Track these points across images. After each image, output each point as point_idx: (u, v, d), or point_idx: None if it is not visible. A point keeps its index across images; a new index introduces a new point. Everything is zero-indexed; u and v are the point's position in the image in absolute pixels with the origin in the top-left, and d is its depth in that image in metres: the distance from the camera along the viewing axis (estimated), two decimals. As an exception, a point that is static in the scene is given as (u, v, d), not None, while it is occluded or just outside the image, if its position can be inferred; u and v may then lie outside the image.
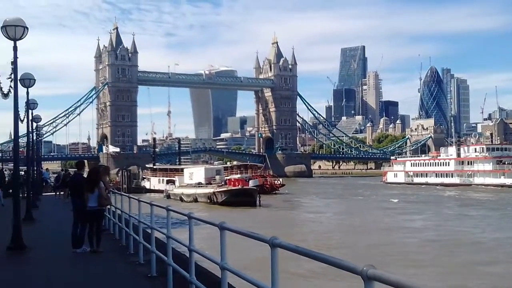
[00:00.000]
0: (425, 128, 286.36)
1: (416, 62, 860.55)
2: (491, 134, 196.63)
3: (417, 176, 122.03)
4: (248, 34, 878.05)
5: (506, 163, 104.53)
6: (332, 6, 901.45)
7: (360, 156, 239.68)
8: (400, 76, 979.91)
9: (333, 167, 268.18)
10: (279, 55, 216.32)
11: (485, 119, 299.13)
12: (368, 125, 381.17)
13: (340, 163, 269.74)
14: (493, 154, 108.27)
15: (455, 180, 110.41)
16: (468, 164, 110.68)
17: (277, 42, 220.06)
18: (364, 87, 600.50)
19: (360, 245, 30.23)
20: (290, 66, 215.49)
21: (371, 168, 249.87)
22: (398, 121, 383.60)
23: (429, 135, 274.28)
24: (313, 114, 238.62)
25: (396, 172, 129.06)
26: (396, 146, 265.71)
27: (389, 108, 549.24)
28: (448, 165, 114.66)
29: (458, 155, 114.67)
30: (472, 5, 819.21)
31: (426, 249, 29.33)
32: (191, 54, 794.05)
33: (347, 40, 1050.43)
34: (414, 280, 2.93)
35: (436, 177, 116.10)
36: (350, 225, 41.93)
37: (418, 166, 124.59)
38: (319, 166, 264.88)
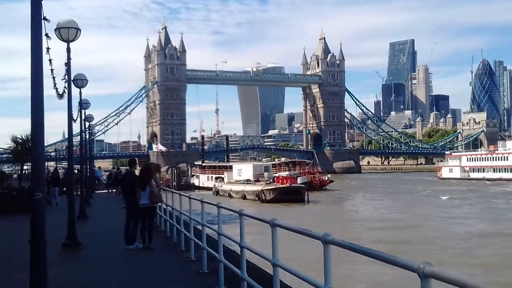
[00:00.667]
0: (477, 122, 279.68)
1: (467, 55, 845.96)
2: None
3: (473, 171, 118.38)
4: (295, 30, 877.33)
5: None
6: (376, 1, 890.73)
7: (410, 151, 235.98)
8: (450, 69, 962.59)
9: (382, 163, 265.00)
10: (326, 50, 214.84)
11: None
12: (418, 119, 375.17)
13: (390, 159, 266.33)
14: None
15: None
16: None
17: (324, 38, 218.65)
18: (414, 81, 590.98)
19: (413, 242, 29.79)
20: (337, 62, 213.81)
21: (421, 164, 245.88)
22: (449, 115, 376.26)
23: (481, 129, 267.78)
24: (362, 110, 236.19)
25: (452, 167, 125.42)
26: (447, 140, 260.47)
27: (439, 102, 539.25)
28: (507, 160, 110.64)
29: None
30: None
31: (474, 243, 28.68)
32: (239, 51, 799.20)
33: (395, 34, 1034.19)
34: (473, 278, 2.86)
35: (494, 172, 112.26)
36: (401, 221, 41.33)
37: (475, 161, 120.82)
38: (368, 162, 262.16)
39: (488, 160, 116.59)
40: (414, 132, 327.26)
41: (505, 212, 47.97)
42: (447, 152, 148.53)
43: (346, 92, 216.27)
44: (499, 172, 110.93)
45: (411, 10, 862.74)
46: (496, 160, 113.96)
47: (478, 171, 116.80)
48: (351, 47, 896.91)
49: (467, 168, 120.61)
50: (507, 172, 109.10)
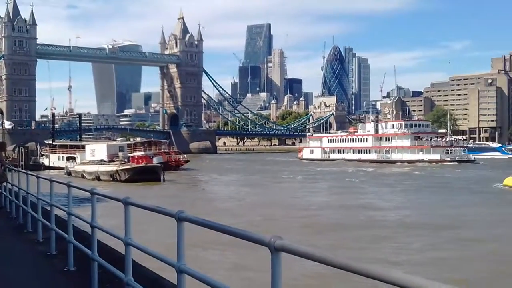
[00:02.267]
0: (327, 105, 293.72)
1: (320, 41, 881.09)
2: (388, 111, 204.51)
3: (334, 153, 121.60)
4: (154, 8, 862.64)
5: (424, 139, 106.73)
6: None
7: (265, 132, 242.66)
8: (304, 54, 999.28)
9: (237, 144, 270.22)
10: (185, 30, 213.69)
11: (384, 97, 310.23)
12: (273, 102, 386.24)
13: (245, 140, 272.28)
14: (411, 130, 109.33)
15: (373, 156, 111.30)
16: (386, 140, 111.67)
17: (183, 18, 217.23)
18: (269, 64, 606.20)
19: (266, 218, 30.65)
20: (196, 42, 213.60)
21: (274, 145, 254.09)
22: (301, 99, 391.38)
23: (331, 112, 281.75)
24: (219, 91, 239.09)
25: (313, 149, 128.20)
26: (300, 123, 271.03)
27: (293, 86, 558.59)
28: (366, 141, 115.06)
29: (376, 131, 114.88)
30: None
31: (317, 221, 30.19)
32: (94, 27, 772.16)
33: (253, 17, 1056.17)
34: (321, 250, 2.99)
35: (354, 153, 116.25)
36: (253, 200, 42.42)
37: (335, 142, 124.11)
38: (224, 143, 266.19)
39: (348, 141, 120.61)
40: (269, 114, 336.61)
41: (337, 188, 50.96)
42: (308, 134, 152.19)
43: (203, 73, 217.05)
44: (358, 153, 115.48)
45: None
46: (355, 141, 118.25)
47: (338, 152, 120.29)
48: (210, 28, 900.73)
49: (328, 149, 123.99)
50: (366, 153, 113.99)
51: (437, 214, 34.05)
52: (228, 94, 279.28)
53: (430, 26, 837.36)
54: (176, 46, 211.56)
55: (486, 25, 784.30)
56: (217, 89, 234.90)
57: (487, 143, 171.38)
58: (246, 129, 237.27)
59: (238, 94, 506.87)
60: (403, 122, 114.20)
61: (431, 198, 43.61)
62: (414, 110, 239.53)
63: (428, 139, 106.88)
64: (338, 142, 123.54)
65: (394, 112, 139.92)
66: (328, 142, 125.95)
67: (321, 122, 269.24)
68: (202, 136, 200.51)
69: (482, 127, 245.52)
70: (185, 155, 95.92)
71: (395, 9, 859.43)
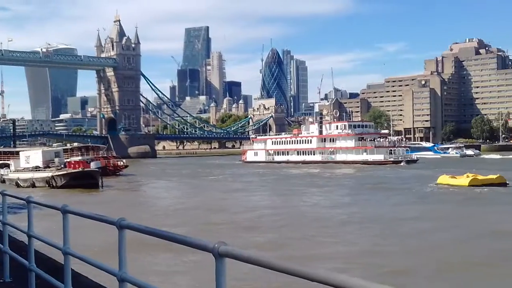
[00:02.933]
0: (266, 107, 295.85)
1: (258, 44, 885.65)
2: (326, 113, 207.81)
3: (278, 155, 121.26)
4: (89, 11, 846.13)
5: (368, 139, 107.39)
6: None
7: (204, 136, 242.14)
8: (243, 57, 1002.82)
9: (177, 147, 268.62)
10: (121, 33, 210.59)
11: (322, 99, 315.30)
12: (212, 105, 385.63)
13: (185, 143, 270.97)
14: (355, 131, 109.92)
15: (317, 157, 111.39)
16: (331, 141, 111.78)
17: (119, 20, 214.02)
18: (208, 67, 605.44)
19: (210, 223, 30.52)
20: (133, 45, 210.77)
21: (215, 148, 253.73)
22: (241, 101, 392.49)
23: (270, 115, 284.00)
24: (157, 94, 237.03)
25: (257, 151, 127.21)
26: (239, 125, 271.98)
27: (232, 88, 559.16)
28: (310, 143, 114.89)
29: (320, 132, 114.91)
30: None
31: (264, 223, 30.34)
32: (27, 30, 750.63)
33: (191, 20, 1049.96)
34: (265, 254, 3.02)
35: (298, 155, 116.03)
36: (194, 204, 42.19)
37: (279, 144, 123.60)
38: (164, 147, 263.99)
39: (292, 143, 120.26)
40: (208, 117, 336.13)
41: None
42: (252, 136, 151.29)
43: (141, 76, 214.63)
44: (303, 155, 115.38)
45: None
46: (300, 143, 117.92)
47: (283, 154, 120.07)
48: (147, 30, 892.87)
49: (272, 151, 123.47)
50: (311, 155, 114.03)
51: (374, 212, 34.79)
52: (167, 97, 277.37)
53: (366, 29, 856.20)
54: (113, 49, 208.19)
55: (420, 27, 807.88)
56: (155, 93, 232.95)
57: (420, 142, 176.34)
58: (185, 133, 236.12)
59: (177, 98, 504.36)
60: (346, 123, 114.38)
61: (370, 198, 44.48)
62: (351, 112, 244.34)
63: (371, 140, 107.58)
64: (282, 144, 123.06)
65: (338, 114, 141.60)
66: (272, 144, 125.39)
67: (260, 124, 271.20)
68: (141, 141, 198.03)
69: (417, 127, 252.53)
70: (124, 160, 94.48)
71: (332, 12, 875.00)
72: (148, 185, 67.97)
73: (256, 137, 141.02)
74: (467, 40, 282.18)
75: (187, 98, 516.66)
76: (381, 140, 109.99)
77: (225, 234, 25.83)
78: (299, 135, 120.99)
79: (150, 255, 20.27)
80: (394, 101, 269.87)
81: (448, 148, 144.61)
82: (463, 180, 50.11)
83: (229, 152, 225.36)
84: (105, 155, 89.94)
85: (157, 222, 29.11)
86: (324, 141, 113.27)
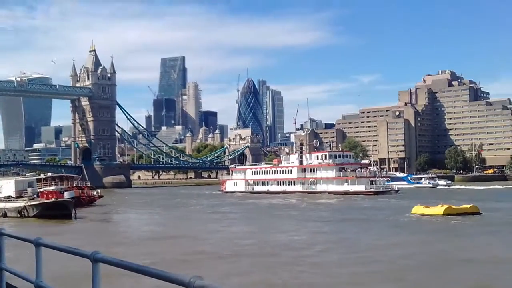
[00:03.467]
0: (242, 137, 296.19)
1: (235, 74, 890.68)
2: (302, 143, 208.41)
3: (258, 185, 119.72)
4: (64, 40, 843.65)
5: (349, 170, 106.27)
6: (151, 16, 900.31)
7: (180, 165, 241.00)
8: (219, 87, 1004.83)
9: (153, 177, 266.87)
10: (97, 63, 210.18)
11: (297, 129, 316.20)
12: (188, 134, 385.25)
13: (160, 173, 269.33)
14: (336, 161, 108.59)
15: (298, 187, 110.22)
16: (311, 171, 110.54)
17: (95, 50, 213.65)
18: (184, 97, 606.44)
19: (186, 254, 30.23)
20: (108, 75, 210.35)
21: (190, 178, 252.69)
22: (217, 131, 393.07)
23: (247, 145, 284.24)
24: (133, 124, 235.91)
25: (236, 181, 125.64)
26: (215, 155, 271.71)
27: (208, 118, 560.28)
28: (291, 173, 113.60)
29: (301, 162, 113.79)
30: (289, 21, 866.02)
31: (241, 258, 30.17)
32: (1, 59, 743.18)
33: (167, 50, 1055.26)
34: None
35: (278, 185, 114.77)
36: (172, 235, 41.79)
37: (259, 174, 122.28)
38: (139, 177, 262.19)
39: (272, 173, 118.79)
40: (184, 147, 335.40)
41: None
42: (231, 166, 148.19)
43: (117, 105, 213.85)
44: (283, 185, 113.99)
45: (182, 28, 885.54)
46: (280, 173, 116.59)
47: (263, 184, 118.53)
48: (123, 60, 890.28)
49: (251, 181, 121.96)
50: (291, 185, 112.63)
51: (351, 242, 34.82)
52: (143, 127, 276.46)
53: (342, 60, 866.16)
54: (88, 78, 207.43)
55: (394, 59, 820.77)
56: (131, 122, 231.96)
57: (394, 173, 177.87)
58: (161, 163, 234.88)
59: (153, 127, 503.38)
60: (327, 153, 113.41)
61: (345, 229, 44.56)
62: (327, 142, 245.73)
63: (352, 170, 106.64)
64: (262, 174, 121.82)
65: (318, 144, 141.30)
66: (252, 174, 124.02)
67: (236, 154, 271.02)
68: (116, 170, 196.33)
69: (392, 158, 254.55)
70: (99, 190, 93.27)
71: (307, 43, 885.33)
72: (123, 215, 67.26)
73: (235, 167, 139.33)
74: (440, 72, 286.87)
75: (163, 128, 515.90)
76: (362, 170, 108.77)
77: (199, 265, 25.59)
78: (279, 165, 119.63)
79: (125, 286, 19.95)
80: (369, 131, 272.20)
81: (421, 178, 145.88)
82: (438, 209, 50.62)
83: (205, 182, 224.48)
84: (79, 185, 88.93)
85: (131, 253, 28.77)
86: (305, 171, 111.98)
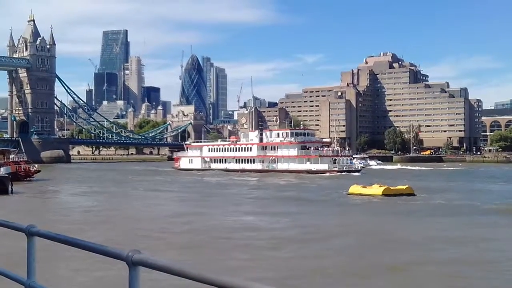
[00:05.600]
0: (185, 114, 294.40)
1: (179, 50, 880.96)
2: (245, 121, 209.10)
3: (215, 162, 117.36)
4: (1, 9, 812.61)
5: (312, 148, 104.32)
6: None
7: (122, 141, 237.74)
8: (162, 62, 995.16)
9: (93, 153, 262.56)
10: (36, 34, 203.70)
11: (241, 107, 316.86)
12: (130, 110, 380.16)
13: (101, 149, 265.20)
14: (298, 139, 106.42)
15: (257, 166, 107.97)
16: (272, 149, 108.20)
17: (34, 20, 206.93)
18: (126, 71, 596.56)
19: (123, 230, 29.97)
20: (48, 46, 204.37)
21: (132, 154, 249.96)
22: (159, 107, 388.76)
23: (189, 122, 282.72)
24: (73, 98, 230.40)
25: (192, 158, 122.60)
26: (158, 131, 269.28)
27: (151, 94, 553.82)
28: (250, 151, 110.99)
29: (261, 140, 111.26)
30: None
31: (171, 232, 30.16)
32: None
33: (109, 23, 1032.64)
34: (178, 262, 2.97)
35: (237, 163, 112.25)
36: (107, 212, 41.35)
37: (217, 151, 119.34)
38: (78, 152, 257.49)
39: (230, 150, 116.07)
40: (126, 123, 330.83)
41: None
42: (186, 142, 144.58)
43: (56, 78, 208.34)
44: (242, 163, 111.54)
45: (127, 1, 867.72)
46: (239, 150, 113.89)
47: (220, 162, 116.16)
48: (63, 32, 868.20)
49: (208, 159, 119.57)
50: (250, 163, 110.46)
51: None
52: (83, 101, 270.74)
53: (286, 39, 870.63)
54: (26, 49, 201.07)
55: (338, 40, 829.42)
56: (71, 96, 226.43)
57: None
58: (102, 138, 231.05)
59: (93, 102, 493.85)
60: (289, 131, 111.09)
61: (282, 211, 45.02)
62: (270, 120, 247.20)
63: (316, 149, 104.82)
64: (219, 151, 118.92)
65: (278, 121, 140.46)
66: (209, 151, 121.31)
67: (179, 131, 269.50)
68: (55, 145, 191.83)
69: (333, 137, 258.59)
70: (36, 165, 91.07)
71: (253, 21, 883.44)
72: (62, 191, 65.92)
73: (191, 144, 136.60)
74: (382, 54, 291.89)
75: (104, 103, 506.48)
76: (325, 149, 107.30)
77: (140, 242, 25.45)
78: (238, 143, 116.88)
79: (62, 264, 19.65)
80: (312, 111, 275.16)
81: (353, 159, 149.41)
82: (376, 190, 51.71)
83: (147, 158, 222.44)
84: (16, 160, 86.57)
85: (69, 230, 28.30)
86: (265, 149, 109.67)
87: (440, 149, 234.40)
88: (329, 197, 52.20)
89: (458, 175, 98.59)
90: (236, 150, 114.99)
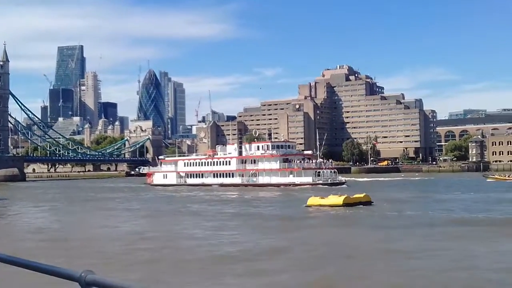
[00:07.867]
0: (143, 129, 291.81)
1: (136, 65, 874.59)
2: (204, 135, 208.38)
3: (191, 177, 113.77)
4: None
5: (294, 161, 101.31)
6: (50, 3, 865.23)
7: (78, 158, 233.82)
8: (119, 77, 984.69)
9: (48, 170, 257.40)
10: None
11: (199, 122, 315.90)
12: (87, 126, 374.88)
13: (57, 166, 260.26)
14: (279, 151, 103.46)
15: (237, 180, 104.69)
16: (252, 162, 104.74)
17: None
18: (83, 87, 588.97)
19: (83, 251, 29.44)
20: (1, 63, 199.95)
21: (89, 170, 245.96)
22: (117, 123, 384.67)
23: (147, 137, 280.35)
24: (27, 115, 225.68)
25: (166, 173, 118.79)
26: (115, 147, 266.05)
27: (108, 110, 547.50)
28: (229, 164, 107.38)
29: (240, 153, 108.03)
30: (193, 13, 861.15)
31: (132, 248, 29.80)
32: None
33: (65, 39, 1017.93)
34: (132, 283, 2.96)
35: (215, 177, 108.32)
36: (69, 232, 40.57)
37: (193, 165, 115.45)
38: (34, 170, 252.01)
39: (208, 164, 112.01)
40: (83, 139, 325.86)
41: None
42: (160, 157, 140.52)
43: (10, 95, 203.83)
44: (220, 177, 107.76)
45: (82, 16, 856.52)
46: (216, 164, 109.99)
47: (197, 177, 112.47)
48: (17, 48, 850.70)
49: (184, 174, 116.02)
50: (229, 177, 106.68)
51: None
52: (38, 118, 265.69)
53: (245, 54, 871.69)
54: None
55: (295, 53, 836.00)
56: (25, 113, 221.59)
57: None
58: (58, 155, 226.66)
59: (49, 118, 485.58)
60: (270, 144, 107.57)
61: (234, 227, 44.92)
62: (228, 134, 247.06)
63: (299, 161, 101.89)
64: (196, 165, 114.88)
65: (257, 134, 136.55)
66: (185, 165, 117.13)
67: (137, 146, 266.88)
68: (9, 163, 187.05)
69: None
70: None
71: (210, 36, 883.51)
72: (15, 210, 64.30)
73: (164, 158, 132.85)
74: (338, 67, 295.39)
75: (60, 119, 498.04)
76: (307, 161, 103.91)
77: (90, 263, 25.04)
78: (215, 156, 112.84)
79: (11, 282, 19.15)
80: (270, 124, 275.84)
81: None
82: (336, 199, 51.94)
83: (105, 175, 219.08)
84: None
85: (25, 251, 27.67)
86: (245, 163, 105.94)
87: (397, 160, 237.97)
88: (285, 211, 51.99)
89: (429, 185, 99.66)
90: (214, 164, 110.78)
